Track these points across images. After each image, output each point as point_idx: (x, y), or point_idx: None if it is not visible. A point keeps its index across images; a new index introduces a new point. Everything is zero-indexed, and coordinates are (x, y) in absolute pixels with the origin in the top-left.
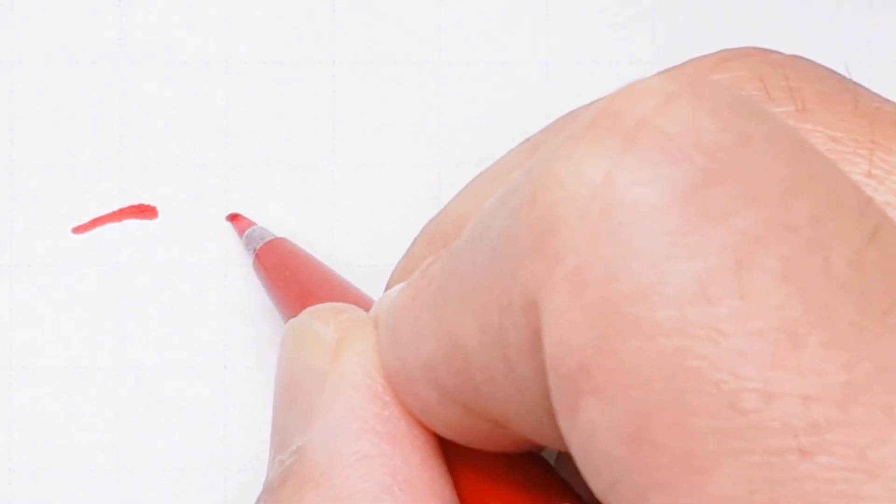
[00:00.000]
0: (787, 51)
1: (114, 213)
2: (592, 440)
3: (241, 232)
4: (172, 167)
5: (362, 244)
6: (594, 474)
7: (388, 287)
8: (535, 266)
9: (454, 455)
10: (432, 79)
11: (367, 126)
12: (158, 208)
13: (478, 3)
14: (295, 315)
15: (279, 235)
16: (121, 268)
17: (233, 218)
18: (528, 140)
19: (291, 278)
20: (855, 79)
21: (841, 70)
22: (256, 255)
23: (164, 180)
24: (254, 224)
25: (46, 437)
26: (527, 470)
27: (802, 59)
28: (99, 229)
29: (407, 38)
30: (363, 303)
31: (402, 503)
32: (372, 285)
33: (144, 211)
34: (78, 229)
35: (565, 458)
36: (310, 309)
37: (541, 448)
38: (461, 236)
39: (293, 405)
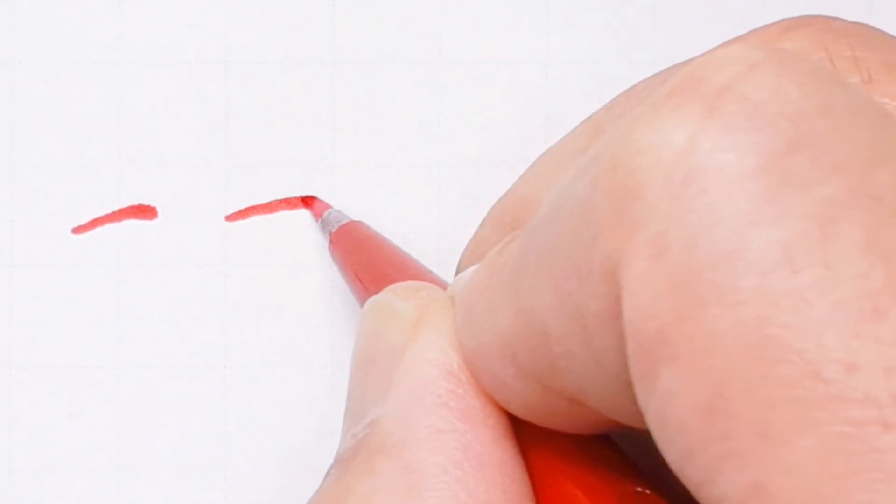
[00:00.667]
0: None
1: (113, 213)
2: (669, 409)
3: (317, 215)
4: (172, 167)
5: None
6: (670, 444)
7: (458, 271)
8: (616, 233)
9: (526, 436)
10: (433, 79)
11: (367, 126)
12: (158, 208)
13: (478, 3)
14: (370, 294)
15: (354, 219)
16: (120, 268)
17: (308, 201)
18: (588, 119)
19: (368, 260)
20: None
21: None
22: (332, 237)
23: (164, 180)
24: (330, 207)
25: (46, 437)
26: (599, 452)
27: (866, 26)
28: (99, 229)
29: (407, 38)
30: (439, 284)
31: (472, 479)
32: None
33: (144, 211)
34: (78, 229)
35: (635, 442)
36: (391, 286)
37: (615, 428)
38: (538, 213)
39: (370, 379)
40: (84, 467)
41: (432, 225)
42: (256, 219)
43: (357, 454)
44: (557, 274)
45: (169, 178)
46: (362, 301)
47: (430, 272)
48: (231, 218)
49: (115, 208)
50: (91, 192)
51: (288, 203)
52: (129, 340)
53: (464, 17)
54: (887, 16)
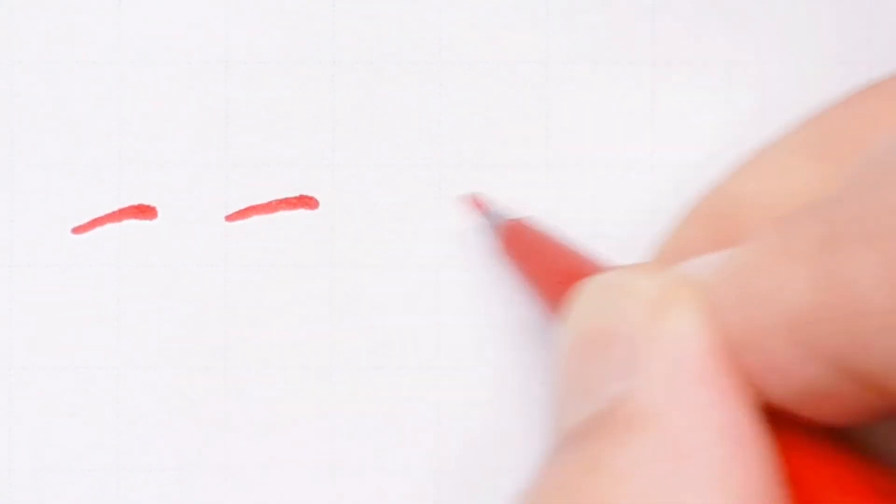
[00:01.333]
0: (787, 51)
1: (113, 213)
2: None
3: (481, 211)
4: (172, 167)
5: (363, 243)
6: None
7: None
8: None
9: (776, 423)
10: (433, 79)
11: (367, 126)
12: (158, 208)
13: (478, 3)
14: (559, 286)
15: (521, 216)
16: (121, 268)
17: (306, 200)
18: (812, 120)
19: (551, 252)
20: (855, 79)
21: (841, 70)
22: (504, 233)
23: (164, 180)
24: (493, 205)
25: (46, 437)
26: (846, 445)
27: None
28: (99, 229)
29: (407, 38)
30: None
31: (736, 456)
32: (372, 284)
33: (144, 211)
34: (78, 229)
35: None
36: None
37: (881, 417)
38: (841, 187)
39: (606, 354)
40: (84, 467)
41: (432, 225)
42: (256, 219)
43: (601, 428)
44: (881, 243)
45: (169, 178)
46: (545, 295)
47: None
48: (231, 218)
49: (115, 208)
50: (91, 192)
51: (288, 203)
52: (129, 340)
53: (464, 17)
54: (887, 16)
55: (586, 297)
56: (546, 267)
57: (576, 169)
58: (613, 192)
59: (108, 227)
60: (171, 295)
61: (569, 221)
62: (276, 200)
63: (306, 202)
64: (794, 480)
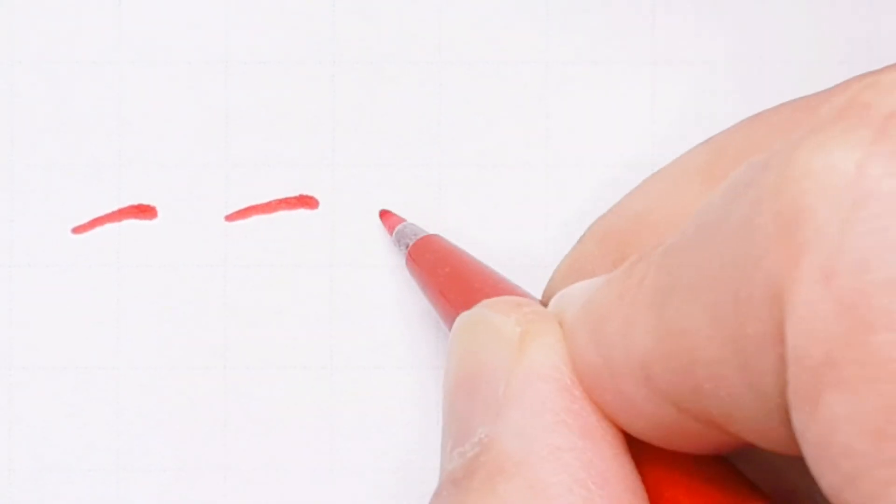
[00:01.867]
0: (787, 51)
1: (113, 213)
2: (833, 434)
3: (390, 229)
4: (172, 167)
5: (362, 243)
6: (830, 469)
7: (552, 285)
8: (781, 256)
9: (640, 454)
10: (433, 79)
11: (367, 126)
12: (158, 208)
13: (478, 3)
14: (458, 309)
15: (430, 232)
16: (120, 268)
17: (383, 214)
18: (707, 142)
19: (452, 274)
20: None
21: (841, 70)
22: (410, 252)
23: (164, 180)
24: (403, 220)
25: (46, 437)
26: (715, 470)
27: None
28: (98, 229)
29: (407, 38)
30: (523, 294)
31: (597, 497)
32: (372, 284)
33: (144, 211)
34: (78, 229)
35: (752, 462)
36: (486, 302)
37: (737, 448)
38: (679, 233)
39: (475, 397)
40: (84, 467)
41: (433, 225)
42: (256, 219)
43: (473, 474)
44: (710, 297)
45: (169, 178)
46: (448, 317)
47: (518, 286)
48: (231, 218)
49: (115, 208)
50: (91, 192)
51: (288, 203)
52: (129, 340)
53: (464, 17)
54: (887, 16)
55: (456, 335)
56: (448, 291)
57: (576, 169)
58: (613, 192)
59: (108, 227)
60: (171, 295)
61: (569, 221)
62: (276, 200)
63: (306, 202)
64: None
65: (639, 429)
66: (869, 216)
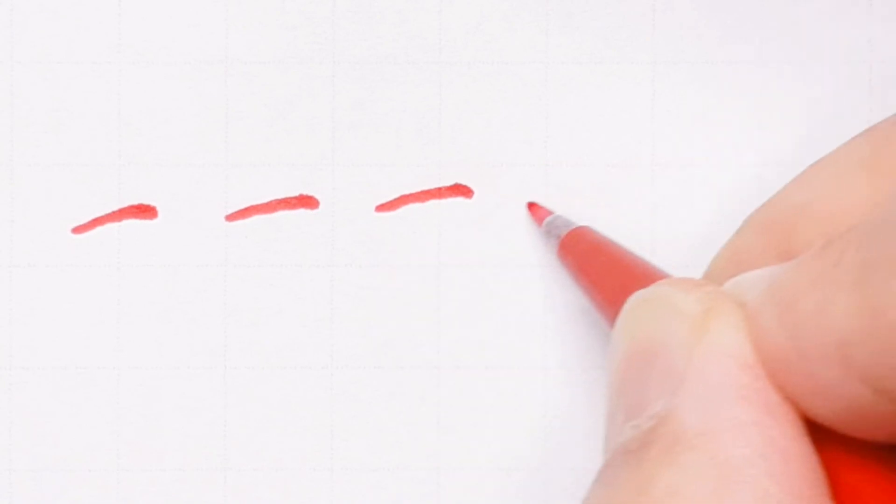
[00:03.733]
0: (786, 52)
1: (113, 213)
2: None
3: (539, 220)
4: (172, 167)
5: (363, 243)
6: None
7: (708, 274)
8: None
9: (819, 440)
10: (433, 79)
11: (367, 126)
12: (158, 208)
13: (478, 3)
14: (620, 294)
15: (580, 224)
16: (120, 268)
17: (531, 207)
18: (867, 131)
19: (609, 261)
20: (855, 79)
21: (840, 70)
22: (561, 243)
23: (164, 180)
24: (552, 213)
25: (46, 437)
26: (892, 460)
27: None
28: (99, 229)
29: (407, 38)
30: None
31: (780, 472)
32: (372, 284)
33: (144, 211)
34: (78, 229)
35: None
36: (665, 280)
37: None
38: (883, 208)
39: (650, 371)
40: (84, 467)
41: (432, 226)
42: (256, 219)
43: (650, 445)
44: None
45: (169, 178)
46: (607, 302)
47: (670, 274)
48: (231, 218)
49: (115, 208)
50: (91, 192)
51: (288, 203)
52: (129, 340)
53: (464, 17)
54: (887, 16)
55: (630, 313)
56: (601, 279)
57: (576, 169)
58: (613, 192)
59: (108, 227)
60: (171, 295)
61: (569, 220)
62: (276, 200)
63: (306, 202)
64: (840, 497)
65: (825, 412)
66: None
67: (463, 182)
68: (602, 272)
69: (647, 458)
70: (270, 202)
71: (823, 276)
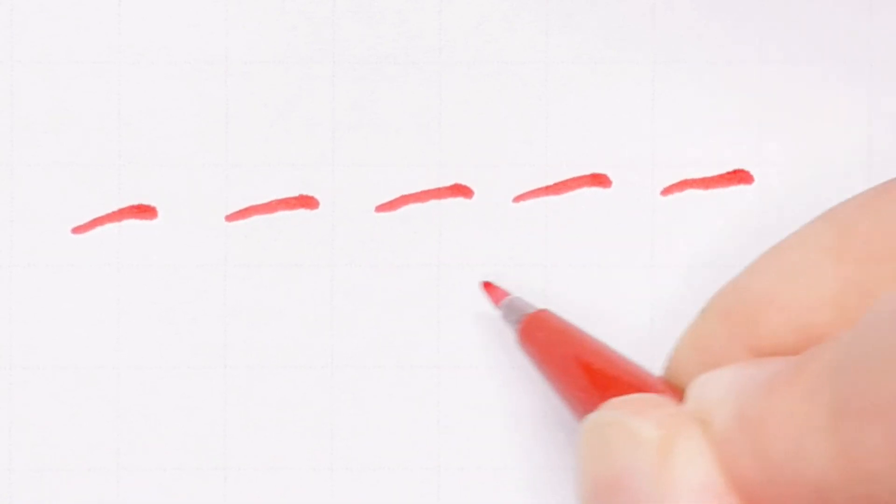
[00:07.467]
0: (786, 52)
1: (113, 213)
2: None
3: (496, 300)
4: (172, 167)
5: (362, 243)
6: None
7: (672, 362)
8: None
9: None
10: (433, 79)
11: (367, 126)
12: (158, 208)
13: (478, 3)
14: (584, 403)
15: (539, 307)
16: (120, 268)
17: (487, 286)
18: (828, 215)
19: (569, 357)
20: (855, 79)
21: (841, 70)
22: (521, 330)
23: (164, 180)
24: (509, 294)
25: (46, 437)
26: None
27: None
28: (98, 229)
29: (407, 38)
30: (646, 378)
31: None
32: (372, 284)
33: (144, 211)
34: (77, 229)
35: None
36: (617, 401)
37: None
38: (850, 345)
39: (620, 502)
40: (84, 467)
41: (433, 226)
42: (256, 219)
43: None
44: (889, 413)
45: (169, 178)
46: (569, 400)
47: (633, 364)
48: (231, 218)
49: (115, 208)
50: (91, 192)
51: (288, 203)
52: (129, 340)
53: (464, 17)
54: (887, 16)
55: (590, 440)
56: (563, 373)
57: (576, 169)
58: (613, 193)
59: (108, 227)
60: (171, 295)
61: (568, 221)
62: (276, 200)
63: (306, 202)
64: None
65: None
66: None
67: (463, 182)
68: (564, 365)
69: None
70: (270, 202)
71: (797, 412)
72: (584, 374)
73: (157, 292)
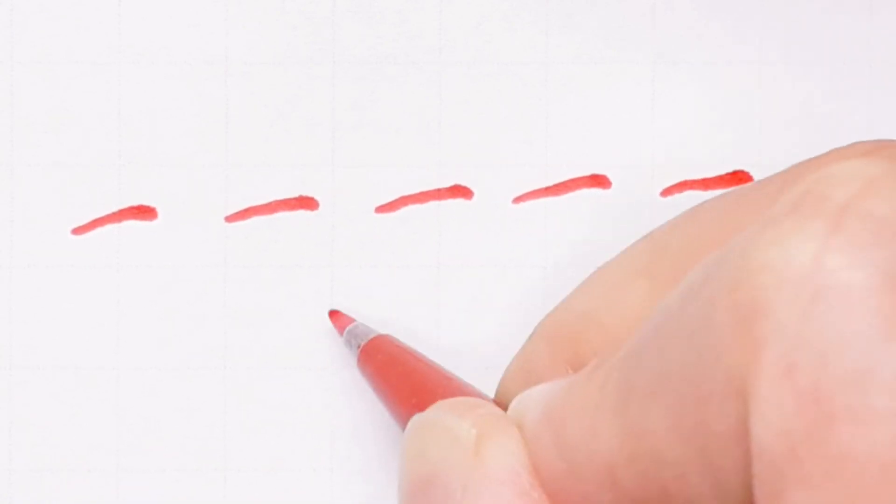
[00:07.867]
0: (786, 52)
1: (113, 213)
2: None
3: (340, 329)
4: (172, 167)
5: (362, 243)
6: None
7: (502, 385)
8: (741, 352)
9: None
10: (433, 79)
11: (367, 126)
12: (158, 209)
13: (478, 3)
14: (411, 411)
15: (381, 332)
16: (120, 268)
17: (332, 315)
18: (647, 237)
19: (402, 374)
20: (855, 79)
21: (841, 70)
22: (360, 354)
23: (164, 181)
24: (354, 321)
25: (46, 437)
26: None
27: None
28: (98, 230)
29: (407, 38)
30: (478, 397)
31: None
32: (372, 284)
33: (144, 211)
34: (78, 230)
35: None
36: (440, 403)
37: None
38: (637, 335)
39: (432, 501)
40: (84, 467)
41: (432, 226)
42: (256, 219)
43: None
44: (671, 398)
45: (169, 178)
46: (401, 418)
47: (468, 385)
48: (231, 218)
49: (115, 208)
50: (91, 192)
51: (288, 204)
52: (129, 341)
53: (464, 17)
54: (887, 16)
55: (410, 439)
56: (401, 391)
57: (576, 169)
58: (613, 193)
59: (108, 227)
60: (171, 295)
61: (568, 221)
62: (276, 201)
63: (306, 202)
64: None
65: None
66: (827, 309)
67: (463, 182)
68: (397, 385)
69: None
70: (270, 203)
71: (591, 400)
72: (415, 392)
73: (157, 293)
